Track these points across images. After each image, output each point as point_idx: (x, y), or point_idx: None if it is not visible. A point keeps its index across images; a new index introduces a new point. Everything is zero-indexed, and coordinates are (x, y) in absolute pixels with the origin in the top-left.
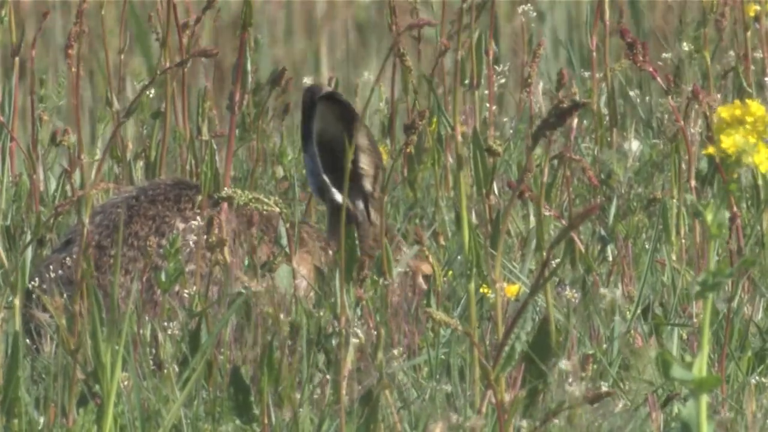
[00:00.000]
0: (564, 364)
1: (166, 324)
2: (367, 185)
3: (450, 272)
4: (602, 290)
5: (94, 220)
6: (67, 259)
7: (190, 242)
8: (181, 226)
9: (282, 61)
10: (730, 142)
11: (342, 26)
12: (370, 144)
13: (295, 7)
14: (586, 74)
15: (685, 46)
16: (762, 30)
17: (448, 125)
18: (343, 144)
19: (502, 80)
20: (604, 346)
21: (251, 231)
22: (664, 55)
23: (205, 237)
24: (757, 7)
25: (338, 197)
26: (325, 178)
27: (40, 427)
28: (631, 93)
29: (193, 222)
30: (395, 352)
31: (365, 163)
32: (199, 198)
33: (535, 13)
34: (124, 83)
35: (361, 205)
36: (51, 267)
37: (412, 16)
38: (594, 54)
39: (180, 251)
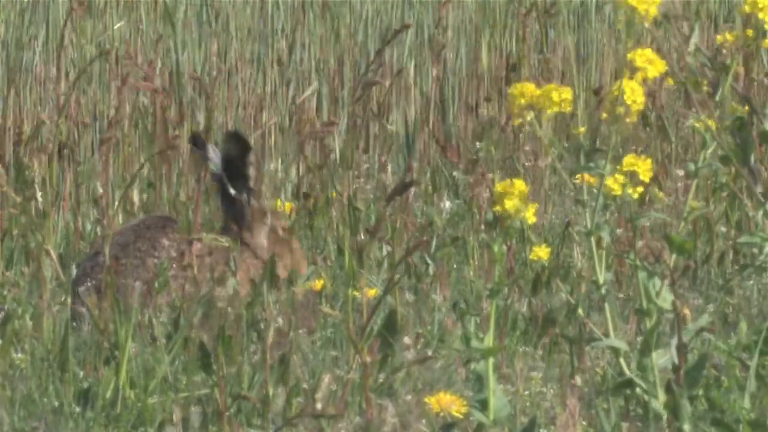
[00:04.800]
0: (406, 339)
1: (158, 314)
2: (251, 183)
3: (333, 282)
4: (433, 296)
5: (114, 239)
6: (96, 266)
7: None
8: (166, 242)
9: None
10: (510, 204)
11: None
12: (254, 161)
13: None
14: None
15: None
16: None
17: (337, 193)
18: (242, 167)
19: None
20: (429, 327)
21: (214, 257)
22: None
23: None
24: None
25: (232, 191)
26: (226, 181)
27: (80, 377)
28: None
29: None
30: (301, 332)
31: (251, 171)
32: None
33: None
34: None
35: (245, 195)
36: (85, 277)
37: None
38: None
39: (167, 269)
